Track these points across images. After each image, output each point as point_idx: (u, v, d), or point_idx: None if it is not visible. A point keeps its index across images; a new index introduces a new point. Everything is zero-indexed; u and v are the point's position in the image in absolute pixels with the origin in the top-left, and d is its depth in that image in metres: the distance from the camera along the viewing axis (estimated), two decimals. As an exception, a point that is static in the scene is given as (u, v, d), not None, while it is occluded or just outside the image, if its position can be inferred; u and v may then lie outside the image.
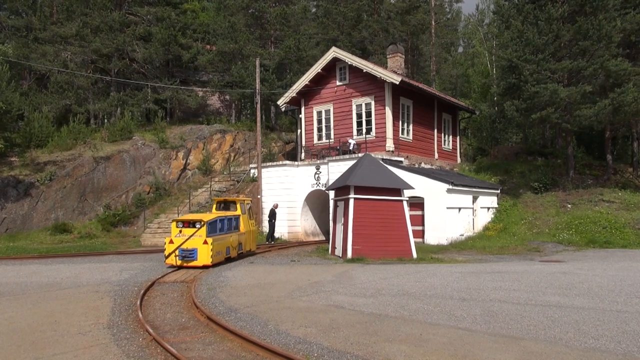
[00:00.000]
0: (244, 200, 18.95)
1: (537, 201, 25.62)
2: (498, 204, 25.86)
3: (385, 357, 6.62)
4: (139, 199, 27.74)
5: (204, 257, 14.82)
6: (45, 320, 8.95)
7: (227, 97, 41.13)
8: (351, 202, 17.84)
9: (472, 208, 23.76)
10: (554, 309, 9.30)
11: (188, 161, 31.54)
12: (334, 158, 24.03)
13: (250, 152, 31.58)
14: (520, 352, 6.76)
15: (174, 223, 15.41)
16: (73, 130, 31.03)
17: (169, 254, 14.89)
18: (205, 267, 14.91)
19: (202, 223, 14.86)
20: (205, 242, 14.78)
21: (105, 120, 36.76)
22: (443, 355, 6.69)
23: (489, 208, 25.14)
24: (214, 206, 18.29)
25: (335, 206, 19.62)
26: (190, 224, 15.14)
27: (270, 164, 26.71)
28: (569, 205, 24.39)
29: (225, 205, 18.44)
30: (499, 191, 26.28)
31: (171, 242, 14.98)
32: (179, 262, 14.85)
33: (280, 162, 26.74)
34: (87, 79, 34.44)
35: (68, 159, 28.28)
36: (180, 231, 14.96)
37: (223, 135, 33.67)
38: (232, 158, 33.14)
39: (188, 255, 14.81)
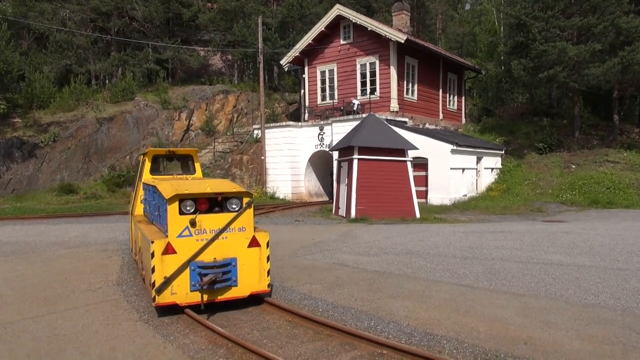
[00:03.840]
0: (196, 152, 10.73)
1: (541, 162, 25.55)
2: (502, 164, 25.81)
3: (388, 313, 6.78)
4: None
5: (252, 276, 6.97)
6: (56, 277, 9.15)
7: (229, 57, 40.48)
8: (355, 162, 17.85)
9: (476, 169, 23.74)
10: (555, 267, 9.43)
11: (191, 122, 31.39)
12: (337, 118, 23.86)
13: (254, 112, 31.37)
14: (521, 308, 6.91)
15: (174, 204, 6.55)
16: (75, 91, 30.80)
17: (166, 282, 6.50)
18: (253, 296, 7.15)
19: (248, 201, 6.94)
20: (255, 244, 6.97)
21: (107, 81, 36.40)
22: (445, 310, 6.84)
23: (492, 169, 25.11)
24: (147, 165, 10.01)
25: (339, 167, 19.63)
26: (215, 203, 6.86)
27: (273, 124, 26.57)
28: (574, 166, 24.32)
29: (170, 160, 10.62)
30: (503, 152, 26.17)
31: (170, 250, 6.52)
32: (195, 298, 6.63)
33: (284, 123, 26.59)
34: (87, 38, 33.88)
35: (71, 120, 28.20)
36: (194, 222, 6.61)
37: (226, 95, 33.36)
38: (235, 119, 32.95)
39: (222, 276, 6.71)
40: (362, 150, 17.86)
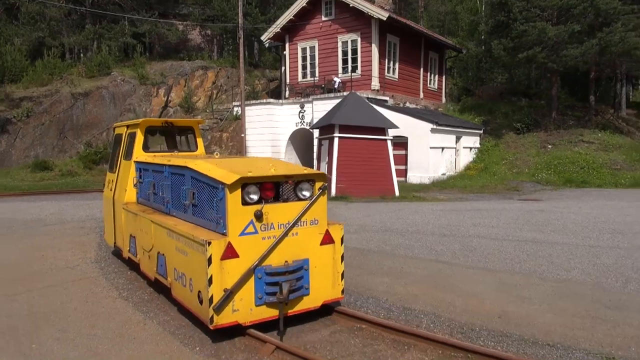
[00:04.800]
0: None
1: (518, 141, 25.93)
2: (480, 144, 26.12)
3: (367, 288, 6.90)
4: (120, 137, 27.29)
5: (325, 282, 5.64)
6: (33, 255, 9.03)
7: (209, 32, 39.66)
8: (336, 140, 17.85)
9: (455, 148, 23.98)
10: (530, 244, 9.67)
11: (169, 98, 30.85)
12: (318, 96, 23.72)
13: (234, 89, 30.94)
14: (496, 284, 7.10)
15: (237, 192, 4.96)
16: (48, 65, 29.90)
17: (227, 297, 4.93)
18: (326, 306, 5.79)
19: (322, 185, 5.54)
20: (329, 240, 5.62)
21: (82, 55, 35.35)
22: (423, 286, 6.99)
23: (471, 148, 25.40)
24: (139, 139, 7.92)
25: (320, 145, 19.61)
26: (279, 187, 5.43)
27: (254, 102, 26.29)
28: (550, 146, 24.76)
29: (167, 134, 8.72)
30: (481, 131, 26.45)
31: (231, 253, 4.96)
32: (261, 314, 5.19)
33: (264, 100, 26.32)
34: (60, 9, 32.72)
35: (45, 95, 27.42)
36: (261, 215, 5.08)
37: (205, 71, 32.79)
38: (214, 95, 32.49)
39: (296, 283, 5.25)
40: (343, 128, 17.85)
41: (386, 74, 25.67)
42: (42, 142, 26.17)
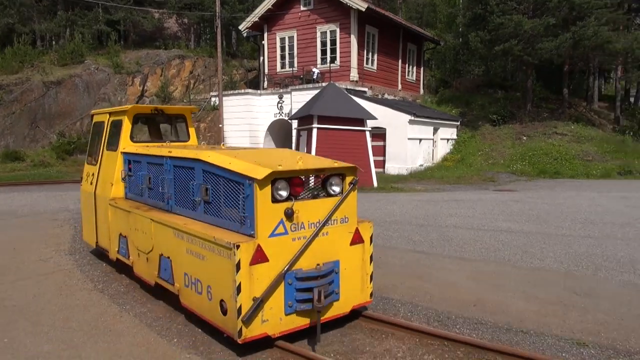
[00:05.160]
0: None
1: (494, 133, 26.31)
2: (457, 135, 26.42)
3: (346, 278, 6.92)
4: (95, 127, 26.74)
5: (354, 285, 5.19)
6: (4, 247, 8.80)
7: (185, 20, 39.01)
8: (314, 131, 17.82)
9: (433, 139, 24.21)
10: (505, 233, 9.86)
11: (145, 88, 30.31)
12: (297, 87, 23.62)
13: (211, 79, 30.55)
14: (472, 272, 7.22)
15: (267, 188, 4.44)
16: (18, 52, 29.03)
17: (257, 307, 4.42)
18: (356, 312, 5.38)
19: (353, 180, 5.22)
20: (358, 239, 5.20)
21: (54, 43, 34.43)
22: (401, 276, 7.06)
23: (448, 139, 25.68)
24: (126, 127, 7.18)
25: (299, 135, 19.56)
26: (306, 183, 5.14)
27: (231, 92, 26.03)
28: (524, 137, 25.20)
29: (156, 122, 8.27)
30: (458, 123, 26.75)
31: (260, 257, 4.44)
32: (291, 324, 4.70)
33: (243, 91, 26.09)
34: (30, -5, 31.75)
35: (15, 83, 26.64)
36: (292, 213, 4.59)
37: (182, 61, 32.30)
38: (191, 85, 32.06)
39: (328, 288, 4.85)
40: (322, 119, 17.82)
41: (365, 65, 25.69)
42: (12, 132, 25.46)
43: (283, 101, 24.37)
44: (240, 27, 28.82)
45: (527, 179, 20.91)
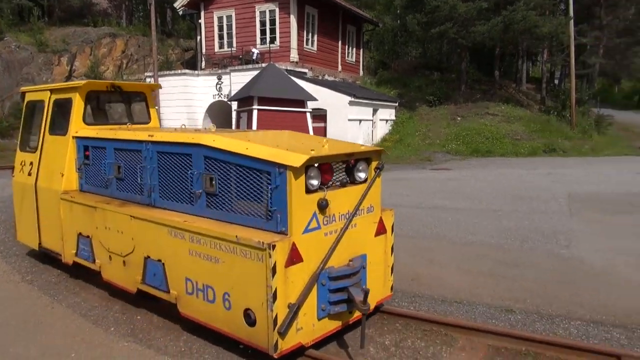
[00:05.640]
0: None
1: (431, 114, 27.12)
2: (396, 116, 26.99)
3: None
4: (19, 109, 24.99)
5: (378, 279, 4.86)
6: None
7: (115, -4, 37.01)
8: (254, 113, 17.59)
9: (372, 120, 24.60)
10: (441, 210, 10.26)
11: (74, 68, 28.59)
12: (236, 68, 23.14)
13: (145, 59, 29.26)
14: (410, 249, 7.48)
15: (301, 178, 3.90)
16: None
17: (294, 314, 3.92)
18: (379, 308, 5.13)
19: (379, 164, 4.70)
20: (382, 230, 4.84)
21: (-33, 17, 31.61)
22: (342, 254, 7.19)
23: (387, 120, 26.18)
24: (78, 107, 6.24)
25: (238, 117, 19.24)
26: (338, 166, 4.53)
27: (168, 72, 25.09)
28: (459, 118, 26.15)
29: (111, 101, 7.27)
30: (397, 104, 27.31)
31: (296, 257, 3.93)
32: (322, 330, 4.26)
33: (180, 71, 25.21)
34: (-63, -36, 28.88)
35: None
36: (326, 205, 4.08)
37: (113, 39, 30.67)
38: (124, 65, 30.58)
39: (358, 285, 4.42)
40: (262, 100, 17.61)
41: (305, 46, 25.54)
42: None
43: (222, 82, 23.81)
44: (175, 5, 27.70)
45: (462, 157, 21.78)
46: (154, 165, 5.07)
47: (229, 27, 26.16)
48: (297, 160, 3.76)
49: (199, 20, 27.18)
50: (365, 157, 4.53)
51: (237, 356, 4.30)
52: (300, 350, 4.08)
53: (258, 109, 17.59)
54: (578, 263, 6.79)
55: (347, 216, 4.30)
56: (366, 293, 4.05)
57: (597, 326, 4.85)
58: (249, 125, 17.78)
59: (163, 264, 4.70)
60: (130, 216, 5.01)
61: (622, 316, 5.07)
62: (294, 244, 3.85)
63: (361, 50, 32.97)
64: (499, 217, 9.62)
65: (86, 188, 6.09)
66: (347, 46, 30.41)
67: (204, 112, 24.61)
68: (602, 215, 9.71)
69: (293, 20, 24.32)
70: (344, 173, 4.51)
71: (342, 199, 4.26)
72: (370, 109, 24.13)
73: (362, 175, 4.50)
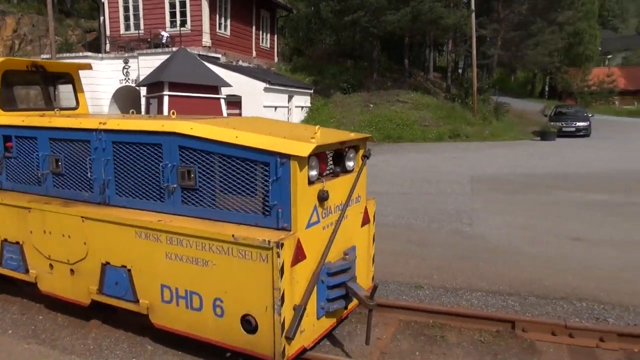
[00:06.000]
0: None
1: (345, 101, 27.68)
2: (311, 103, 27.24)
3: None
4: None
5: (362, 270, 4.74)
6: None
7: (3, -31, 33.53)
8: (165, 99, 16.92)
9: (288, 107, 24.63)
10: (355, 195, 10.58)
11: (-45, 47, 25.65)
12: (144, 51, 22.06)
13: (41, 40, 26.92)
14: (325, 233, 7.64)
15: (305, 169, 3.60)
16: None
17: (300, 317, 3.62)
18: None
19: (366, 152, 4.58)
20: (367, 220, 4.80)
21: None
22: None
23: (302, 107, 26.35)
24: None
25: (148, 103, 18.38)
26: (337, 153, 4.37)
27: (67, 55, 23.30)
28: (372, 105, 26.96)
29: (32, 83, 6.87)
30: (312, 91, 27.55)
31: (300, 254, 3.65)
32: (320, 330, 4.08)
33: (81, 54, 23.51)
34: None
35: None
36: (326, 196, 3.84)
37: (2, 17, 27.86)
38: (16, 46, 27.94)
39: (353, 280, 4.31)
40: (173, 86, 16.96)
41: (218, 30, 24.88)
42: None
43: (129, 66, 22.58)
44: (73, -18, 25.71)
45: (375, 144, 22.49)
46: (108, 158, 4.39)
47: (135, 8, 24.80)
48: (303, 149, 3.44)
49: (102, 0, 25.48)
50: (354, 145, 4.37)
51: (151, 349, 4.19)
52: (301, 352, 3.81)
53: (169, 95, 16.93)
54: (479, 239, 7.35)
55: (341, 207, 4.07)
56: (375, 287, 3.94)
57: (495, 296, 5.30)
58: (160, 112, 17.08)
59: (129, 270, 4.12)
60: (82, 217, 4.34)
61: (517, 285, 5.58)
62: (298, 241, 3.57)
63: (275, 37, 32.75)
64: (408, 199, 10.11)
65: (7, 185, 5.26)
66: (261, 32, 30.06)
67: (110, 98, 23.26)
68: (500, 194, 10.56)
69: (205, 3, 23.58)
70: (331, 162, 4.29)
71: (337, 189, 4.03)
72: (286, 96, 24.14)
73: (351, 163, 4.34)
